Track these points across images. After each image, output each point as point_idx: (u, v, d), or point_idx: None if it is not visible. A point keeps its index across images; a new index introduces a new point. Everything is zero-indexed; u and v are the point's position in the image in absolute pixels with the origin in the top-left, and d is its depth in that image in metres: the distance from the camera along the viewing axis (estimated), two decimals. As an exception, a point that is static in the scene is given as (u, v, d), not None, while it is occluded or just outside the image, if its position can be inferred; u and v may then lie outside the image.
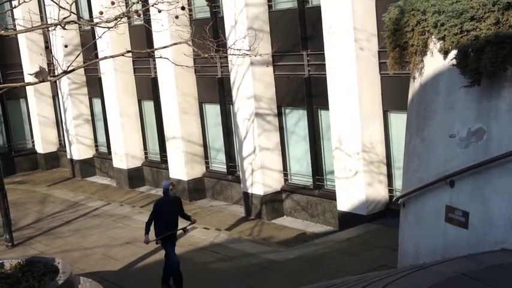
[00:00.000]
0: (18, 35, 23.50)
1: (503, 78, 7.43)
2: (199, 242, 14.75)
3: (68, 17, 9.49)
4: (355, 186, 14.38)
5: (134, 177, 21.43)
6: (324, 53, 14.64)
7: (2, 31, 10.48)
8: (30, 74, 23.14)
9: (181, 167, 19.09)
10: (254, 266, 12.97)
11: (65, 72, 9.62)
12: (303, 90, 15.85)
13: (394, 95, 13.89)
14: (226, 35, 16.28)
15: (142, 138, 21.54)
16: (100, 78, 22.13)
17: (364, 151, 14.20)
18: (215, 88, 18.28)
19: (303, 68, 15.76)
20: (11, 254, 14.67)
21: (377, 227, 13.99)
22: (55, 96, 25.18)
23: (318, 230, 15.52)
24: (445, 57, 8.04)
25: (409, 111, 9.17)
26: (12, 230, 15.99)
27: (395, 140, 14.15)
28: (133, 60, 20.82)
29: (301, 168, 16.58)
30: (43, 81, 10.20)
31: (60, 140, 25.88)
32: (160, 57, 10.82)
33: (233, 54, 12.27)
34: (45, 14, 21.90)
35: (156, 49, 11.25)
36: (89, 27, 20.76)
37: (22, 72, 24.86)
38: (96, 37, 12.39)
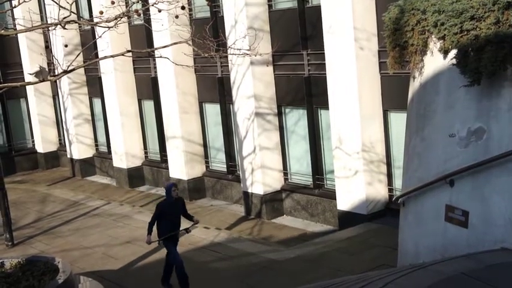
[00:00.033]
0: (18, 34, 23.52)
1: (503, 78, 7.42)
2: (199, 241, 14.75)
3: (68, 16, 9.48)
4: (355, 185, 14.38)
5: (134, 176, 21.43)
6: (324, 53, 14.64)
7: (2, 31, 10.49)
8: (30, 74, 23.16)
9: (181, 167, 19.08)
10: (254, 265, 12.97)
11: (65, 72, 9.62)
12: (303, 90, 15.85)
13: (394, 94, 13.89)
14: (226, 34, 16.27)
15: (143, 137, 21.54)
16: (100, 78, 22.12)
17: (364, 150, 14.21)
18: (215, 87, 18.28)
19: (303, 67, 15.76)
20: (11, 253, 14.67)
21: (377, 226, 13.99)
22: (55, 95, 25.18)
23: (318, 229, 15.53)
24: (445, 57, 8.04)
25: (409, 111, 9.17)
26: (13, 229, 15.99)
27: (395, 140, 14.15)
28: (133, 60, 20.82)
29: (301, 167, 16.59)
30: (43, 80, 10.19)
31: (60, 140, 25.88)
32: (161, 56, 10.81)
33: (233, 54, 12.26)
34: (45, 14, 21.95)
35: (156, 49, 11.25)
36: (89, 27, 20.75)
37: (22, 71, 24.84)
38: (96, 37, 12.40)
